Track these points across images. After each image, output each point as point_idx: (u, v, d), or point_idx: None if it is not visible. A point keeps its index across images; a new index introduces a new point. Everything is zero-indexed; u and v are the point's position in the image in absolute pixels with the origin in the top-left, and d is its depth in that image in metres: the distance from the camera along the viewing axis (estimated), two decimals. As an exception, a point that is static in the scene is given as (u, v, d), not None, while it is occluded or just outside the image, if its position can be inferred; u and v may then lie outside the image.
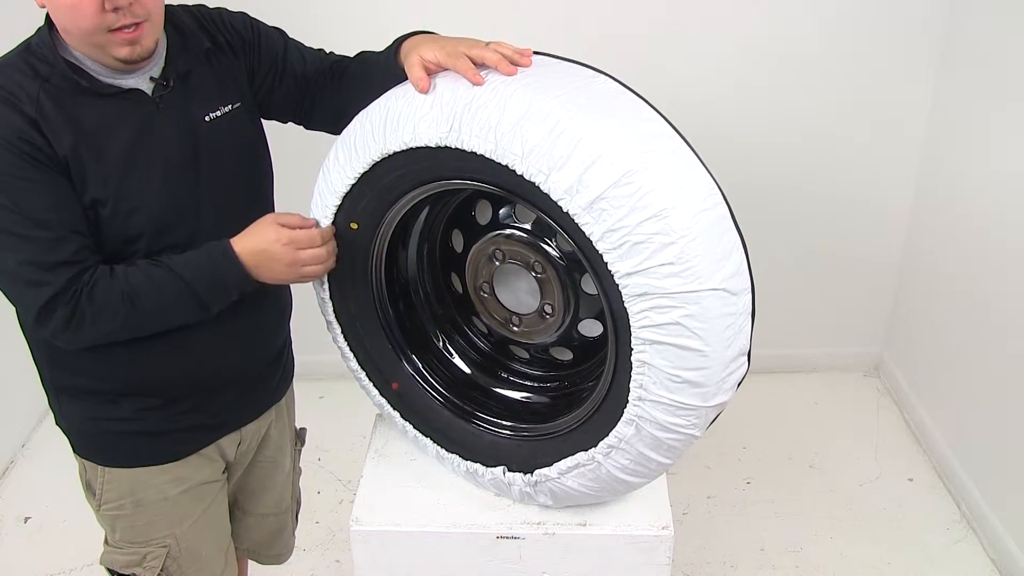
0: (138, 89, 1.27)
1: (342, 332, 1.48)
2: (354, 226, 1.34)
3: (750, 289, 1.16)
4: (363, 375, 1.51)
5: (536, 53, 1.26)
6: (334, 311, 1.46)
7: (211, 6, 1.44)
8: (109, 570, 1.51)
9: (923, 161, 2.78)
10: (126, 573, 1.48)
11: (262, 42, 1.43)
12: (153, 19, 1.22)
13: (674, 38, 2.65)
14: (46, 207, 1.20)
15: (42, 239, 1.20)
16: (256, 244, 1.30)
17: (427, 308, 1.54)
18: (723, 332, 1.12)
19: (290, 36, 1.48)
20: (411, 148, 1.20)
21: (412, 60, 1.25)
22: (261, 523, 1.71)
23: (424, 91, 1.21)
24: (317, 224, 1.36)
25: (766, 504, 2.55)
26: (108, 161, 1.24)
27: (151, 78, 1.29)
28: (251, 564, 1.84)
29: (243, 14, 1.45)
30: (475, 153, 1.14)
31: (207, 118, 1.34)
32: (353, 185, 1.30)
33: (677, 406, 1.16)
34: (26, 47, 1.25)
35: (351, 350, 1.49)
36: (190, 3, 1.42)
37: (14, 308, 1.29)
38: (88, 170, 1.23)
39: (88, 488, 1.48)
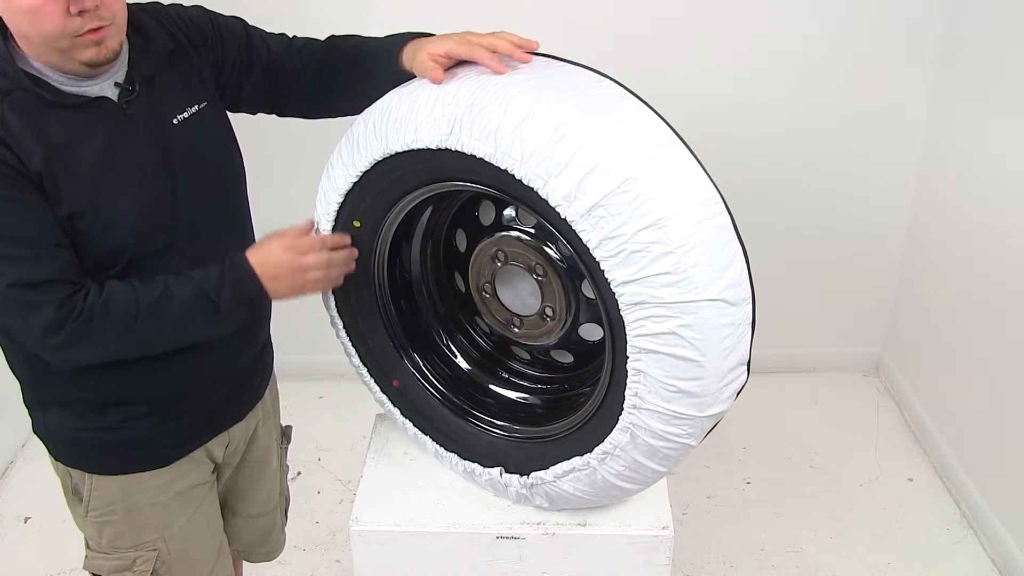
0: (104, 97, 1.24)
1: (344, 328, 1.48)
2: (357, 224, 1.35)
3: (750, 300, 1.15)
4: (365, 371, 1.51)
5: (542, 55, 1.26)
6: (337, 307, 1.46)
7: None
8: (95, 575, 1.49)
9: (923, 161, 2.78)
10: None
11: (224, 35, 1.40)
12: (117, 21, 1.19)
13: (672, 39, 2.65)
14: (25, 224, 1.17)
15: (26, 257, 1.17)
16: (262, 256, 1.29)
17: (430, 306, 1.54)
18: (720, 343, 1.11)
19: (249, 24, 1.45)
20: (413, 149, 1.19)
21: (421, 58, 1.25)
22: (251, 523, 1.70)
23: (439, 81, 1.21)
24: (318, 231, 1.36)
25: (766, 504, 2.55)
26: (82, 174, 1.21)
27: (116, 83, 1.25)
28: (249, 564, 1.84)
29: (200, 8, 1.41)
30: (475, 156, 1.14)
31: (175, 120, 1.31)
32: (355, 183, 1.30)
33: (672, 415, 1.15)
34: None
35: (353, 346, 1.49)
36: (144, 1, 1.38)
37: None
38: (62, 185, 1.19)
39: (74, 494, 1.45)
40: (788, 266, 2.94)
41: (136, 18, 1.29)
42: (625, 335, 1.13)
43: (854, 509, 2.52)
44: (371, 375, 1.51)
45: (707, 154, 1.20)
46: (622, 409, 1.18)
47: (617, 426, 1.20)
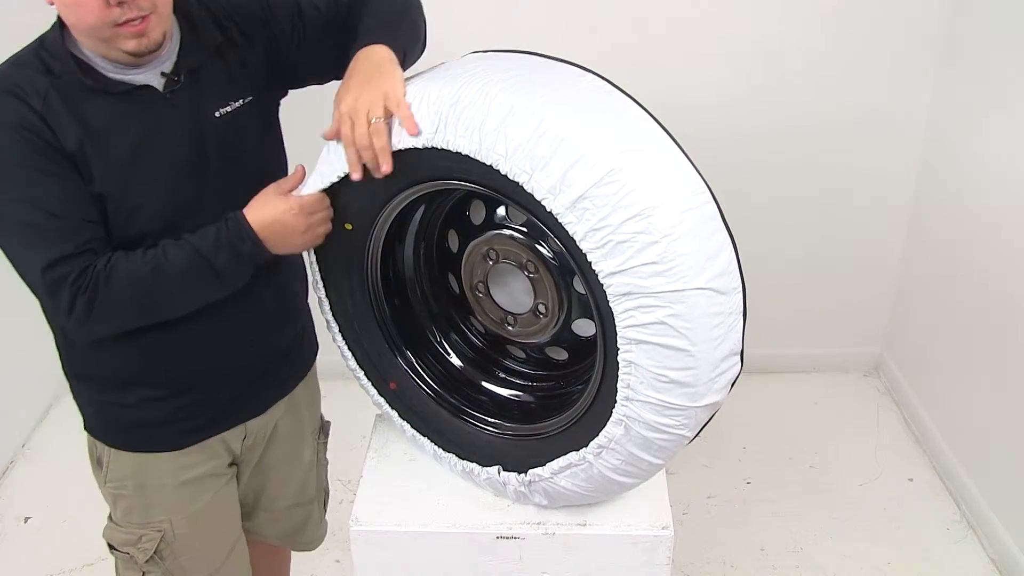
0: (148, 85, 1.27)
1: (340, 331, 1.48)
2: (348, 227, 1.34)
3: (740, 288, 1.15)
4: (361, 374, 1.51)
5: (525, 52, 1.26)
6: (331, 310, 1.46)
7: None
8: (109, 545, 1.54)
9: (923, 161, 2.78)
10: (123, 550, 1.51)
11: (276, 11, 1.41)
12: (159, 11, 1.21)
13: (674, 38, 2.65)
14: (58, 197, 1.20)
15: (58, 230, 1.20)
16: (267, 216, 1.29)
17: (424, 307, 1.54)
18: (711, 332, 1.11)
19: None
20: (399, 149, 1.20)
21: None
22: (288, 514, 1.73)
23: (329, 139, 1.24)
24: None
25: (766, 504, 2.55)
26: (114, 159, 1.24)
27: (162, 73, 1.28)
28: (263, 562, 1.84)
29: None
30: (460, 154, 1.14)
31: (217, 114, 1.33)
32: (340, 182, 1.29)
33: (665, 406, 1.15)
34: (39, 43, 1.26)
35: (349, 349, 1.49)
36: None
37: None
38: (94, 167, 1.23)
39: (97, 463, 1.51)
40: (788, 266, 2.94)
41: (187, 9, 1.32)
42: (615, 327, 1.13)
43: (854, 509, 2.52)
44: (367, 377, 1.50)
45: (706, 154, 1.20)
46: (615, 402, 1.18)
47: (611, 419, 1.20)
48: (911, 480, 2.64)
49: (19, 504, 2.60)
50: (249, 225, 1.29)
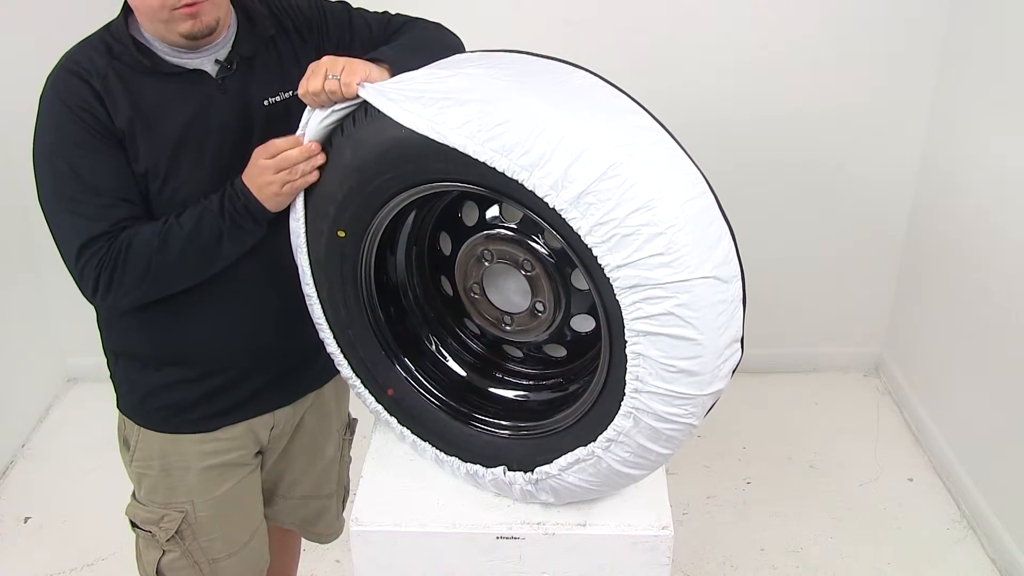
0: (202, 71, 1.33)
1: (335, 339, 1.47)
2: (341, 234, 1.34)
3: (740, 276, 1.16)
4: (357, 382, 1.50)
5: (514, 52, 1.27)
6: (325, 318, 1.46)
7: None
8: (131, 522, 1.57)
9: (923, 161, 2.78)
10: (145, 529, 1.54)
11: (328, 19, 1.46)
12: None
13: (675, 37, 2.65)
14: (103, 175, 1.28)
15: (98, 207, 1.28)
16: (249, 167, 1.33)
17: (418, 312, 1.53)
18: (715, 320, 1.12)
19: (354, 7, 1.51)
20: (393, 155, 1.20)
21: None
22: (304, 504, 1.76)
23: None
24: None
25: (766, 504, 2.55)
26: (161, 137, 1.30)
27: (216, 60, 1.34)
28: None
29: None
30: (457, 152, 1.14)
31: (265, 102, 1.38)
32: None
33: (674, 396, 1.16)
34: (106, 27, 1.34)
35: (344, 357, 1.49)
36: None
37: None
38: (141, 144, 1.30)
39: (124, 443, 1.55)
40: (788, 266, 2.94)
41: (245, 3, 1.40)
42: (622, 320, 1.13)
43: (854, 509, 2.52)
44: (364, 385, 1.50)
45: (706, 154, 1.21)
46: (624, 394, 1.19)
47: (620, 412, 1.21)
48: (911, 480, 2.64)
49: (19, 504, 2.60)
50: (241, 179, 1.33)
